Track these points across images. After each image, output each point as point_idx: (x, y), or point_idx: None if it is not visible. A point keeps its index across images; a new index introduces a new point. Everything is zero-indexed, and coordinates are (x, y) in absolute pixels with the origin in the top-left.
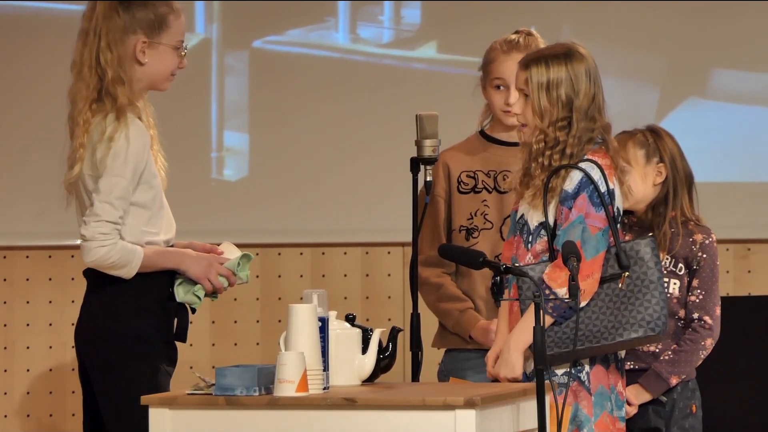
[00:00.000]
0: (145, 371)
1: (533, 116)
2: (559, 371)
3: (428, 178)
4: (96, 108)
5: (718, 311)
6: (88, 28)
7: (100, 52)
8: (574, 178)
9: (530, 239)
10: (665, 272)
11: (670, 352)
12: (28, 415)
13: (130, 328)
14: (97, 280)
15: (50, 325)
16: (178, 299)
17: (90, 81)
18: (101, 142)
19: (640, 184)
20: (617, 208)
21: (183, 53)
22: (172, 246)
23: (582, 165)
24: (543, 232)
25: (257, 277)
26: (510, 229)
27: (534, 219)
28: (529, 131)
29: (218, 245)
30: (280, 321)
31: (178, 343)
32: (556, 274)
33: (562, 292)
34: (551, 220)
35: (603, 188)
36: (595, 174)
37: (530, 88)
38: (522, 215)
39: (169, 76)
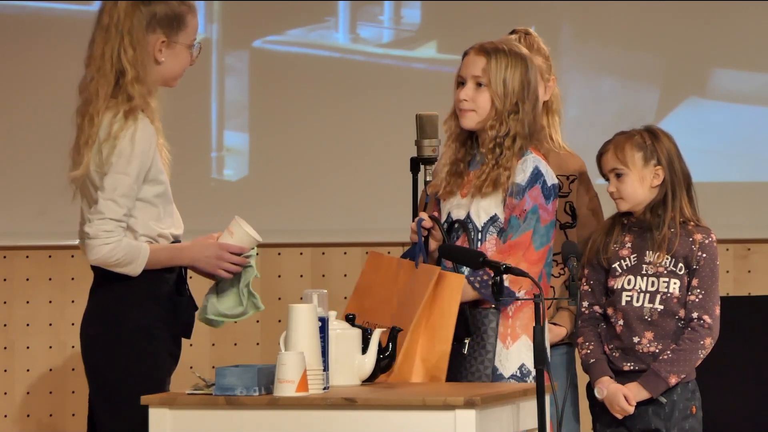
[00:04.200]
0: (145, 366)
1: (487, 103)
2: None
3: (428, 178)
4: (109, 105)
5: (717, 311)
6: (109, 24)
7: (122, 49)
8: (526, 171)
9: (479, 236)
10: (665, 272)
11: (669, 352)
12: (28, 415)
13: (138, 320)
14: (105, 272)
15: (50, 325)
16: (216, 319)
17: (110, 77)
18: (107, 140)
19: (638, 186)
20: (553, 209)
21: (197, 53)
22: (179, 242)
23: (529, 158)
24: (492, 228)
25: (257, 276)
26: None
27: (481, 214)
28: (476, 119)
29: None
30: (280, 321)
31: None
32: (497, 258)
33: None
34: (500, 215)
35: (550, 182)
36: (543, 167)
37: (490, 75)
38: (463, 214)
39: (181, 73)
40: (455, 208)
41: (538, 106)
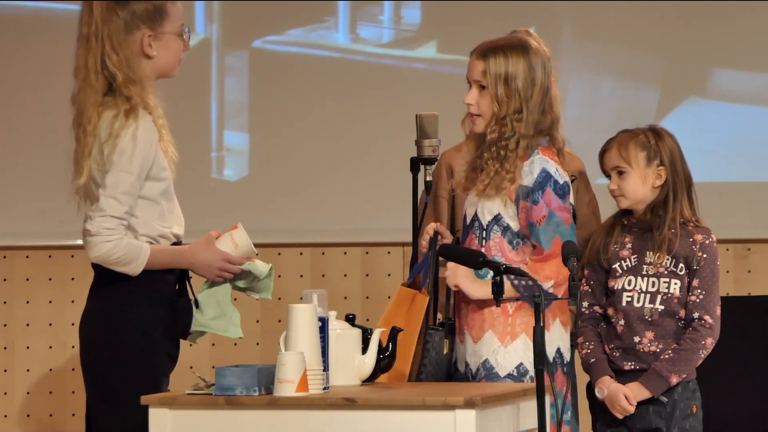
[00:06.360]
0: (143, 366)
1: (490, 107)
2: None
3: (428, 178)
4: (103, 109)
5: (718, 311)
6: (88, 33)
7: (105, 56)
8: (533, 173)
9: (483, 235)
10: (666, 273)
11: (670, 352)
12: (28, 415)
13: (136, 319)
14: (105, 271)
15: (50, 325)
16: (200, 330)
17: (97, 86)
18: (108, 139)
19: (640, 185)
20: (570, 203)
21: (187, 37)
22: (181, 242)
23: (536, 159)
24: (497, 227)
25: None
26: (463, 231)
27: (486, 213)
28: (483, 123)
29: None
30: (280, 321)
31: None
32: (537, 267)
33: (547, 285)
34: (507, 213)
35: (561, 181)
36: (551, 167)
37: (488, 79)
38: (473, 212)
39: (178, 61)
40: (469, 205)
41: (547, 98)
